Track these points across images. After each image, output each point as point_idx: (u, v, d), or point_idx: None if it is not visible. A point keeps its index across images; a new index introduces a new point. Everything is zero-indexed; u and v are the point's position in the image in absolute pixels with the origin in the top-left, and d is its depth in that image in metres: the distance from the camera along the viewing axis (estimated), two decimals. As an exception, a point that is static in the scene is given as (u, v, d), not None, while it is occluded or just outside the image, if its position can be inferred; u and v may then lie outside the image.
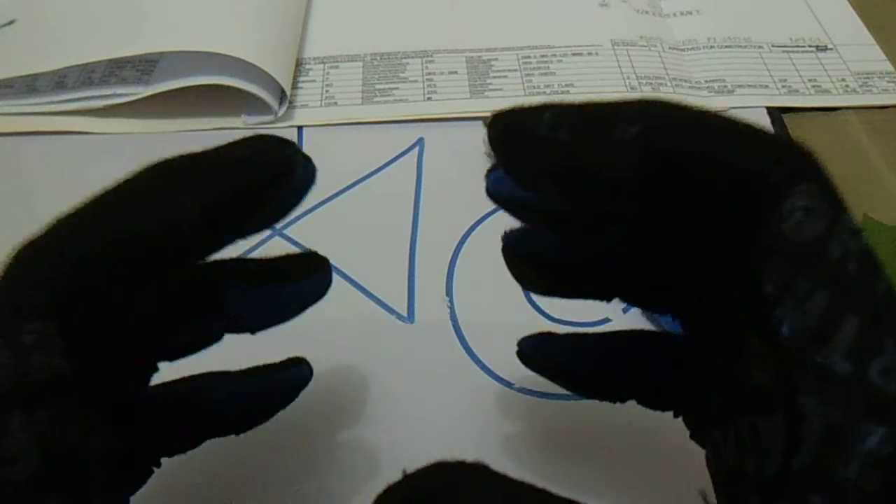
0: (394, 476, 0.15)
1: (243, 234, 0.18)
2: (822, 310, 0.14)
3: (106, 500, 0.16)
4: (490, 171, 0.20)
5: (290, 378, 0.22)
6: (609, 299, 0.21)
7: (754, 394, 0.16)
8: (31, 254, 0.16)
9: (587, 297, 0.22)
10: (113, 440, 0.17)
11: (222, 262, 0.20)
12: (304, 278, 0.21)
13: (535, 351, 0.22)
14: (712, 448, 0.18)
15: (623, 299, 0.21)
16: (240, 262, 0.21)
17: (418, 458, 0.15)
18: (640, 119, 0.16)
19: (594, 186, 0.17)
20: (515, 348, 0.23)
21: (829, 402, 0.13)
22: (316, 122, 0.39)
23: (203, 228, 0.17)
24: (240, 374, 0.22)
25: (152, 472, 0.20)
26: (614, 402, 0.21)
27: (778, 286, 0.14)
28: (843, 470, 0.13)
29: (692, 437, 0.19)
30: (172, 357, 0.20)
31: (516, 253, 0.22)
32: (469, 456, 0.16)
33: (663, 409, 0.20)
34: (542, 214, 0.21)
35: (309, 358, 0.23)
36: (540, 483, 0.15)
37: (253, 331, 0.21)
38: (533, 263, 0.21)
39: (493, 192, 0.21)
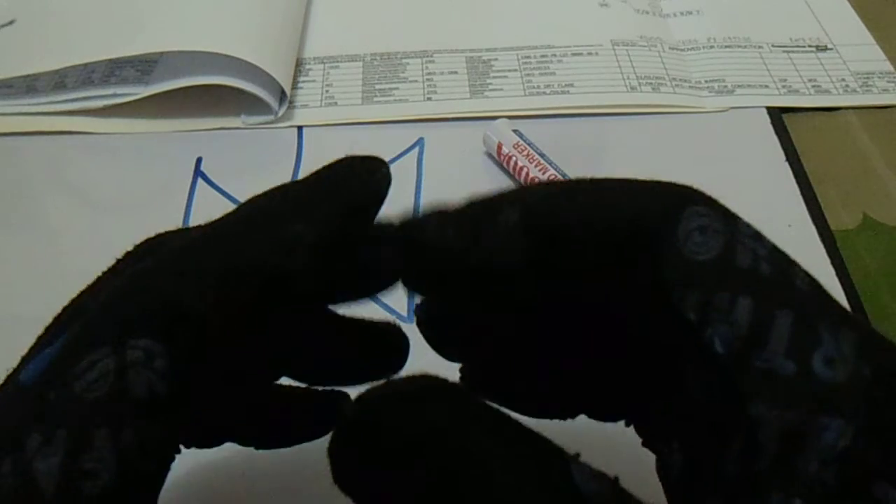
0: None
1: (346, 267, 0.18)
2: (750, 316, 0.14)
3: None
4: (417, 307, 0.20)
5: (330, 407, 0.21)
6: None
7: (701, 412, 0.16)
8: (151, 268, 0.16)
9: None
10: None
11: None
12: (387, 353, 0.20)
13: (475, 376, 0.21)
14: (665, 455, 0.17)
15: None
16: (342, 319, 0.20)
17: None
18: (518, 202, 0.16)
19: (489, 277, 0.17)
20: None
21: (780, 404, 0.13)
22: (316, 122, 0.39)
23: (317, 256, 0.17)
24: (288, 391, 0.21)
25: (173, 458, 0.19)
26: (564, 420, 0.20)
27: (698, 310, 0.14)
28: (803, 467, 0.13)
29: (644, 444, 0.18)
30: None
31: (437, 334, 0.21)
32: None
33: (614, 420, 0.20)
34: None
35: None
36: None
37: (314, 384, 0.20)
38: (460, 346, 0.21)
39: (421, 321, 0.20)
